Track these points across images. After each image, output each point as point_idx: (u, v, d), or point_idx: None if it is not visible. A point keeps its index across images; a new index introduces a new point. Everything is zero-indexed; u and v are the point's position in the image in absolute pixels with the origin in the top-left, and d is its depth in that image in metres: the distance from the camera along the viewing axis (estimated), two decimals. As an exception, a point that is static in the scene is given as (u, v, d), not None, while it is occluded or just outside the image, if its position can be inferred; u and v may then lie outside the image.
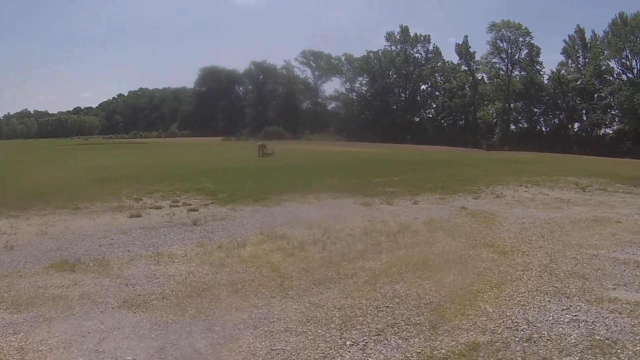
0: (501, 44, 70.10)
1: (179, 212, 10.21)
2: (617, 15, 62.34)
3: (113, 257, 6.81)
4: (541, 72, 70.51)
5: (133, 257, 6.85)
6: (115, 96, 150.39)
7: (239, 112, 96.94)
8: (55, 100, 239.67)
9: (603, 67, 64.32)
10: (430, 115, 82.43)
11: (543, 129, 70.91)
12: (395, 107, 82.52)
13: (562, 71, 68.72)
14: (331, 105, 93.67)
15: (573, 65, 69.10)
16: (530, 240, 7.67)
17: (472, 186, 14.37)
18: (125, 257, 6.81)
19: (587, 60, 67.10)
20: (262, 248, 7.18)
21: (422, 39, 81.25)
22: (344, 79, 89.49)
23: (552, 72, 69.26)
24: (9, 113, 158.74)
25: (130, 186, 14.24)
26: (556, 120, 69.09)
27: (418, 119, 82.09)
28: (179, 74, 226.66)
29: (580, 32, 67.56)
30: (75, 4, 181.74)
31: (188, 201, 11.59)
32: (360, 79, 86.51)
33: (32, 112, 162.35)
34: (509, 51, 70.00)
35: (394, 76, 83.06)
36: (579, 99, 64.36)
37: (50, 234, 8.33)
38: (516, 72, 71.01)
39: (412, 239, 7.70)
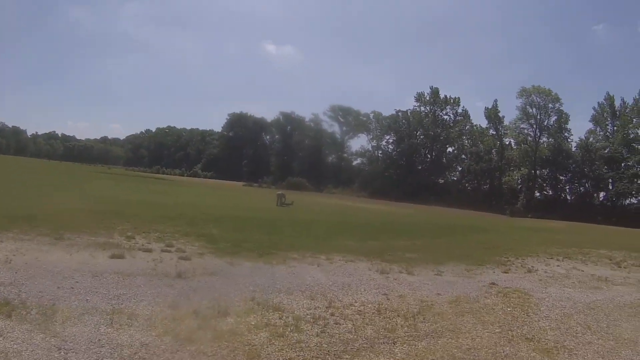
0: (530, 110, 68.89)
1: (168, 259, 8.91)
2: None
3: (64, 307, 5.58)
4: (569, 139, 69.08)
5: (87, 310, 5.58)
6: (143, 131, 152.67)
7: (264, 159, 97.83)
8: (85, 127, 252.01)
9: (632, 136, 62.49)
10: (455, 178, 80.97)
11: (568, 197, 68.61)
12: (420, 167, 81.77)
13: (590, 139, 67.15)
14: (356, 161, 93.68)
15: (601, 133, 67.42)
16: (575, 332, 6.71)
17: (500, 256, 13.34)
18: (78, 309, 5.56)
19: (615, 128, 65.33)
20: (246, 321, 5.73)
21: (451, 101, 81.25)
22: (371, 136, 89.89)
23: (580, 140, 67.88)
24: (36, 132, 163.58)
25: (129, 222, 13.08)
26: (582, 189, 67.06)
27: (442, 181, 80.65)
28: (207, 117, 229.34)
29: (610, 99, 66.11)
30: (115, 48, 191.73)
31: (184, 247, 10.31)
32: (387, 137, 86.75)
33: (59, 135, 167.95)
34: (538, 117, 68.58)
35: (421, 137, 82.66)
36: (605, 167, 62.73)
37: (14, 264, 7.26)
38: (544, 139, 69.46)
39: (434, 325, 6.45)
